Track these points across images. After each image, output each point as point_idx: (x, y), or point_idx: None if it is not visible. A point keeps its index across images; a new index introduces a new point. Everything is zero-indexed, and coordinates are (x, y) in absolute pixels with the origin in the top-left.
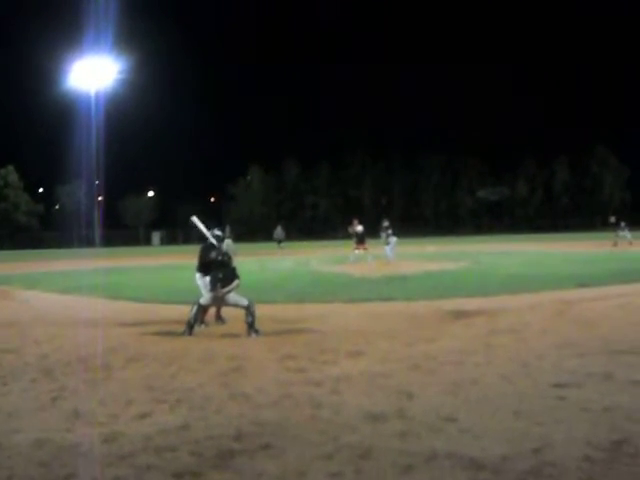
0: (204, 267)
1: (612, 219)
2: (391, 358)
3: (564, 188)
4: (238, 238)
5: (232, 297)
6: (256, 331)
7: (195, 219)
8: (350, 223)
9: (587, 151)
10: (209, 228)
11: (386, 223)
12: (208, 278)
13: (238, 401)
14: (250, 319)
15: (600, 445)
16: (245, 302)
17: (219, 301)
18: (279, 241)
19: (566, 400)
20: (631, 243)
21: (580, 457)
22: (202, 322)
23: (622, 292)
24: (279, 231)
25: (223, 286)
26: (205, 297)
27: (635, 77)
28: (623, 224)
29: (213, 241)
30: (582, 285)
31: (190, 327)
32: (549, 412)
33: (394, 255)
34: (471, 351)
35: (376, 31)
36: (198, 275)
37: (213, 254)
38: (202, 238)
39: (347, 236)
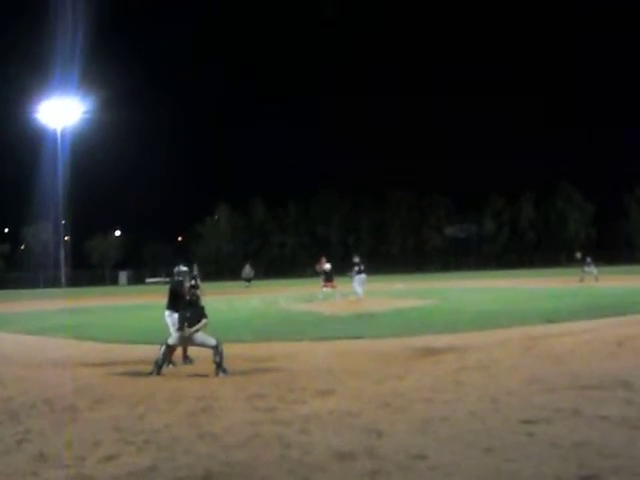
0: (173, 304)
1: (578, 255)
2: (360, 396)
3: (530, 224)
4: (206, 277)
5: (199, 337)
6: (224, 370)
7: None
8: (318, 261)
9: (552, 187)
10: (177, 264)
11: (356, 259)
12: (176, 315)
13: (207, 441)
14: (218, 359)
15: None
16: (213, 342)
17: (187, 341)
18: (248, 279)
19: (535, 436)
20: (597, 279)
21: None
22: (170, 362)
23: (589, 327)
24: (247, 270)
25: (190, 325)
26: (173, 337)
27: (600, 112)
28: (589, 259)
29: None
30: (550, 321)
31: (158, 367)
32: (519, 448)
33: (363, 292)
34: (440, 388)
35: (343, 65)
36: (167, 312)
37: (187, 285)
38: (170, 275)
39: (315, 274)
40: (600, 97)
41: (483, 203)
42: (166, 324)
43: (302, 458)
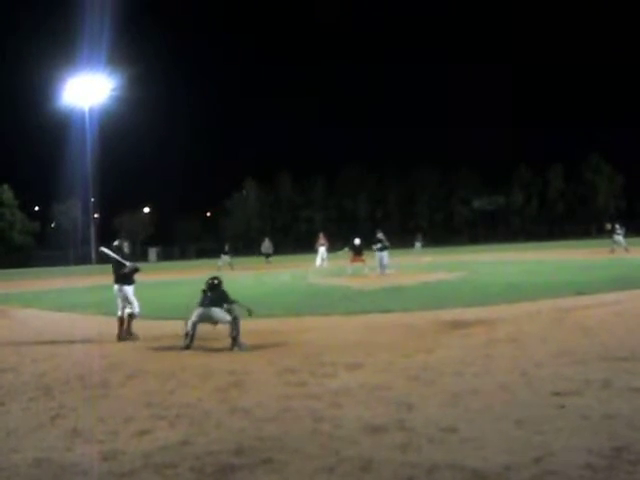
0: (117, 277)
1: (608, 226)
2: (390, 370)
3: (559, 196)
4: (235, 252)
5: (218, 312)
6: (239, 345)
7: (104, 249)
8: (317, 239)
9: (581, 159)
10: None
11: (379, 235)
12: (127, 287)
13: (238, 416)
14: (235, 333)
15: (601, 453)
16: (229, 318)
17: (207, 317)
18: (267, 255)
19: (566, 408)
20: (627, 250)
21: (581, 465)
22: (130, 334)
23: (619, 299)
24: (267, 244)
25: (212, 305)
26: (195, 314)
27: (629, 85)
28: (619, 230)
29: (125, 263)
30: (580, 293)
31: (189, 341)
32: (549, 421)
33: (385, 268)
34: (470, 361)
35: (371, 42)
36: (116, 287)
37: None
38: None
39: (314, 251)
40: (628, 68)
41: (511, 175)
42: (115, 297)
43: (333, 432)
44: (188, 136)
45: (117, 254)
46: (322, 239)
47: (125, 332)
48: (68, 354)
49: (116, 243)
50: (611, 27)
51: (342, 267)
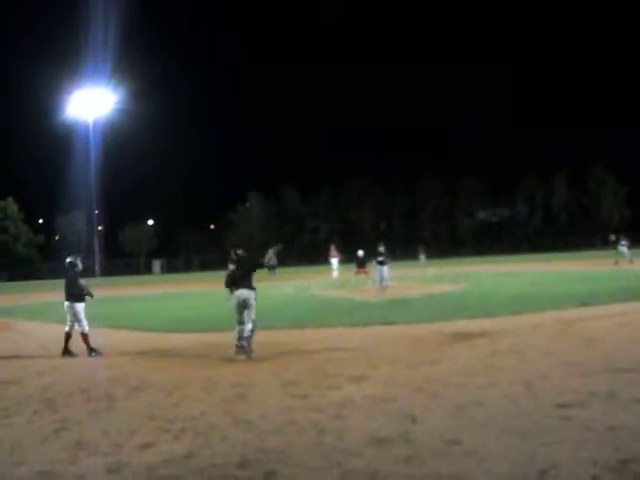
0: (70, 294)
1: (612, 237)
2: (394, 382)
3: (563, 207)
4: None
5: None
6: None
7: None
8: (328, 250)
9: (584, 170)
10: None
11: (381, 249)
12: (78, 304)
13: (242, 428)
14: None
15: (607, 465)
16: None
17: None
18: (270, 267)
19: (571, 420)
20: (632, 261)
21: (587, 478)
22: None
23: (624, 310)
24: (270, 256)
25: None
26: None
27: (633, 94)
28: (624, 241)
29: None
30: (584, 304)
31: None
32: (554, 432)
33: (384, 281)
34: (474, 373)
35: (371, 54)
36: (67, 303)
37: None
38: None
39: (327, 263)
40: (632, 78)
41: (515, 187)
42: (66, 312)
43: (337, 444)
44: (192, 148)
45: (70, 271)
46: (334, 251)
47: (69, 348)
48: (72, 367)
49: (70, 259)
50: (616, 35)
51: (346, 279)
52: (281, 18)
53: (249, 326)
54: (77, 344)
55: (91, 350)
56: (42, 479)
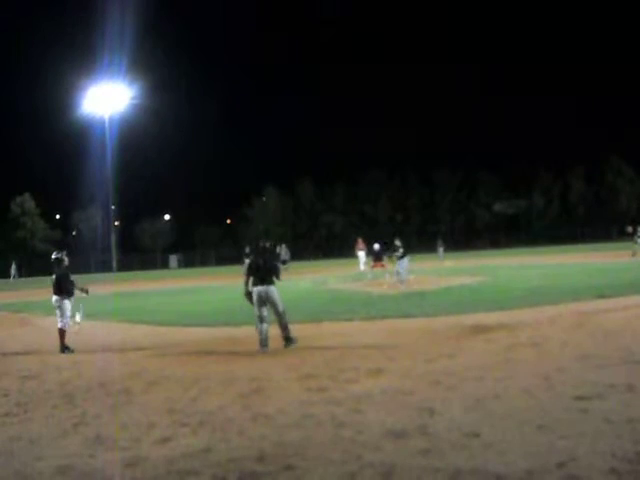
0: (59, 289)
1: (629, 229)
2: (412, 375)
3: (580, 199)
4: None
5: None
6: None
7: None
8: (355, 243)
9: (602, 161)
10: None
11: (397, 242)
12: (67, 300)
13: (260, 422)
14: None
15: (625, 457)
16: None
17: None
18: (283, 261)
19: (589, 412)
20: None
21: (606, 470)
22: (66, 348)
23: None
24: (284, 251)
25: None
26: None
27: None
28: None
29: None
30: (601, 296)
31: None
32: (573, 425)
33: (403, 277)
34: (492, 366)
35: (388, 46)
36: (55, 298)
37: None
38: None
39: (354, 256)
40: None
41: (532, 179)
42: (55, 307)
43: (355, 437)
44: (208, 143)
45: (56, 267)
46: (361, 244)
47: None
48: (90, 362)
49: (56, 256)
50: (634, 26)
51: (362, 273)
52: (302, 15)
53: (285, 318)
54: (74, 340)
55: (65, 348)
56: (61, 473)
